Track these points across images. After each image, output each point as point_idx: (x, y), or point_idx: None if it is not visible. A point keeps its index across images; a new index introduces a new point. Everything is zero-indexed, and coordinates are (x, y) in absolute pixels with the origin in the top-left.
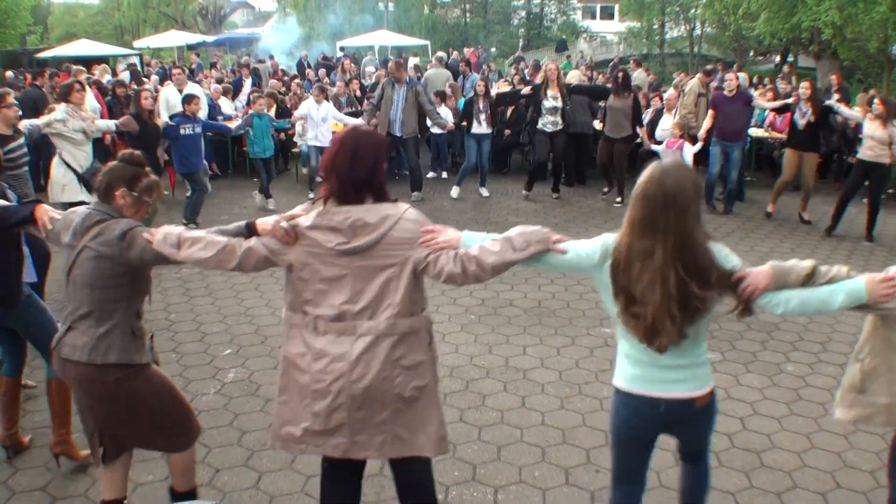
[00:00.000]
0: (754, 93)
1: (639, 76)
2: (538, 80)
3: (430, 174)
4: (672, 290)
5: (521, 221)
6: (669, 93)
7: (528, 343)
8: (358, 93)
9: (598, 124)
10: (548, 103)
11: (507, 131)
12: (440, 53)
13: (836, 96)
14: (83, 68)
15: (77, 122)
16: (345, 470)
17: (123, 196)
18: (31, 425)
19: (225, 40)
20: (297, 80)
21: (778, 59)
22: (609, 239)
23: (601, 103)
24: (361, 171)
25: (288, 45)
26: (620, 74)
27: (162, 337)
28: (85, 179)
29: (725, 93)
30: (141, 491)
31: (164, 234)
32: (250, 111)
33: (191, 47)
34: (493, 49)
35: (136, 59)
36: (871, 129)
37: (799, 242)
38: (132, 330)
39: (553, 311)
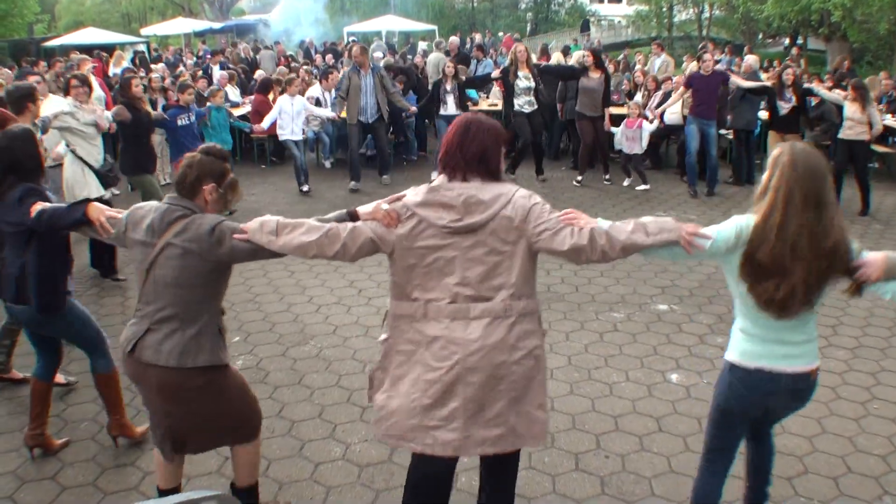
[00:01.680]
0: (763, 76)
1: (664, 62)
2: (506, 62)
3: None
4: (820, 263)
5: None
6: (678, 77)
7: None
8: None
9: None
10: (521, 83)
11: None
12: (454, 39)
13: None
14: (87, 57)
15: (85, 114)
16: (439, 466)
17: (212, 191)
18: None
19: (232, 26)
20: (305, 67)
21: (787, 41)
22: (743, 222)
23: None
24: (474, 150)
25: (297, 27)
26: (590, 54)
27: None
28: (102, 174)
29: (701, 72)
30: (149, 480)
31: (261, 222)
32: (208, 104)
33: (198, 34)
34: (500, 33)
35: (143, 47)
36: (851, 111)
37: None
38: (219, 329)
39: (562, 295)
